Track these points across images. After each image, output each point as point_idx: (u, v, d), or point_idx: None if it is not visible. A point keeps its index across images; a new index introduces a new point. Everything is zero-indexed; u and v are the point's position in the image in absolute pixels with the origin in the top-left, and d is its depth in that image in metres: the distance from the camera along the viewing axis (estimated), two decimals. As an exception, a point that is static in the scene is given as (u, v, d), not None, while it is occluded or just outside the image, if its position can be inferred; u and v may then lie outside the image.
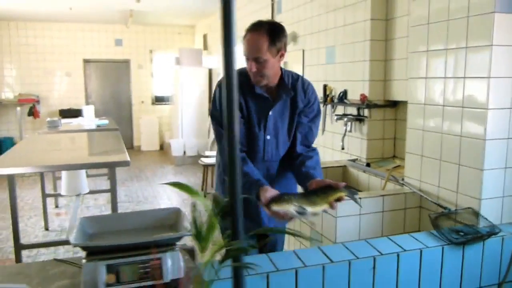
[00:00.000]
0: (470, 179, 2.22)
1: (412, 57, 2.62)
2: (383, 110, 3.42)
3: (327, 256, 1.83)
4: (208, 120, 8.14)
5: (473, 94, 2.19)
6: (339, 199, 1.60)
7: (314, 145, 2.17)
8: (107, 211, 5.17)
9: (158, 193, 6.10)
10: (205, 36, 8.85)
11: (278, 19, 4.94)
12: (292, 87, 1.99)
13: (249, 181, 1.78)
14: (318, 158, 2.06)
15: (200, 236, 0.92)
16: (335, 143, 3.92)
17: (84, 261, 1.33)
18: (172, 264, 1.37)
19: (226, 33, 0.99)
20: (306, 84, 2.05)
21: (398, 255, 1.89)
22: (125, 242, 1.38)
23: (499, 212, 2.22)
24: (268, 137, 1.96)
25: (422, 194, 2.52)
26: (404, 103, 3.32)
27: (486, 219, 2.14)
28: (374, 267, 1.84)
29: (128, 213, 1.65)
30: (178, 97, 8.36)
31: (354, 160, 3.51)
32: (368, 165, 3.33)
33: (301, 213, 1.54)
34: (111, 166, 2.98)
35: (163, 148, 9.95)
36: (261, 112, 1.95)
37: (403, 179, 2.76)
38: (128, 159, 2.97)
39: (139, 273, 1.35)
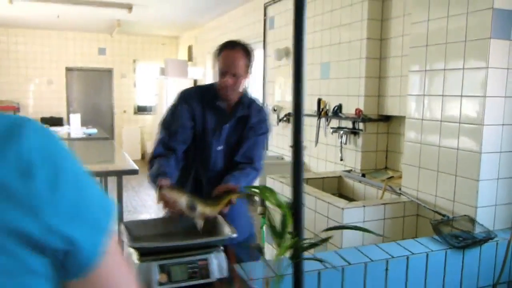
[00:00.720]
0: (466, 189, 2.42)
1: (411, 76, 2.82)
2: (377, 124, 3.62)
3: (345, 259, 1.97)
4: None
5: (470, 111, 2.40)
6: (230, 202, 1.74)
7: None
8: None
9: (146, 202, 6.12)
10: (190, 48, 8.96)
11: (270, 34, 5.13)
12: (247, 106, 2.12)
13: (159, 171, 1.85)
14: (251, 173, 2.07)
15: (277, 234, 1.04)
16: (328, 155, 4.10)
17: (137, 262, 1.42)
18: (218, 264, 1.49)
19: (296, 72, 1.13)
20: (260, 106, 2.22)
21: (407, 258, 2.05)
22: (178, 243, 1.48)
23: (492, 219, 2.43)
24: (219, 148, 2.07)
25: (420, 203, 2.71)
26: (397, 117, 3.54)
27: (482, 225, 2.34)
28: (387, 269, 2.00)
29: (166, 217, 1.76)
30: (163, 107, 8.41)
31: (349, 171, 3.69)
32: (363, 175, 3.52)
33: (191, 208, 1.59)
34: (120, 174, 3.06)
35: (145, 157, 9.94)
36: (218, 124, 2.07)
37: (400, 189, 2.95)
38: (136, 167, 3.05)
39: (188, 273, 1.45)
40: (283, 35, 4.89)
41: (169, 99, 8.31)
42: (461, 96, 2.45)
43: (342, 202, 2.71)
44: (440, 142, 2.61)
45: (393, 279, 2.01)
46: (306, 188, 3.13)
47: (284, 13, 4.91)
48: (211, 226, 1.66)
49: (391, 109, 3.52)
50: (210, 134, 2.07)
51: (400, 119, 3.52)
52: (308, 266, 1.85)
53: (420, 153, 2.76)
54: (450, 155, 2.53)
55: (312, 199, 2.89)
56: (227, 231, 1.56)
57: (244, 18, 5.95)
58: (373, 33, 3.52)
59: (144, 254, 1.44)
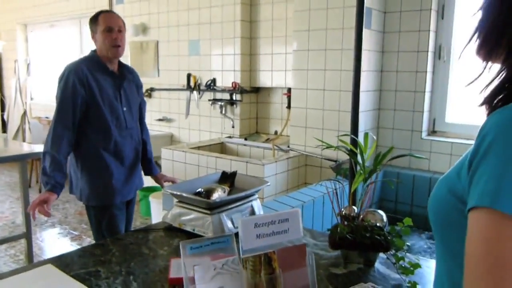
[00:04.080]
0: (347, 139, 3.27)
1: (295, 54, 3.49)
2: (250, 95, 4.22)
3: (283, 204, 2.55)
4: None
5: (348, 81, 3.22)
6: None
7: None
8: None
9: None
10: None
11: (119, 9, 5.08)
12: (127, 68, 2.46)
13: (51, 180, 2.12)
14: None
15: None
16: (201, 125, 4.51)
17: (209, 215, 1.69)
18: (258, 208, 1.87)
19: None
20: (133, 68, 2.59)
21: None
22: (235, 196, 1.78)
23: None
24: (125, 108, 2.38)
25: (311, 155, 3.47)
26: (265, 88, 4.22)
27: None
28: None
29: (196, 179, 1.98)
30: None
31: (230, 137, 4.21)
32: (245, 139, 4.09)
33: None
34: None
35: None
36: (115, 87, 2.34)
37: (288, 146, 3.65)
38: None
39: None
40: (136, 11, 4.93)
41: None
42: (340, 70, 3.26)
43: (257, 160, 3.24)
44: (324, 106, 3.38)
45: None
46: (207, 154, 3.53)
47: (135, -11, 4.93)
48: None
49: (261, 81, 4.16)
50: (113, 98, 2.29)
51: (269, 90, 4.21)
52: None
53: (306, 116, 3.50)
54: (333, 116, 3.33)
55: (226, 161, 3.32)
56: (258, 182, 1.94)
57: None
58: (244, 15, 4.05)
59: (213, 208, 1.70)
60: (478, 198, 0.57)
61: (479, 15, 0.70)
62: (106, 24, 2.25)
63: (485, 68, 0.70)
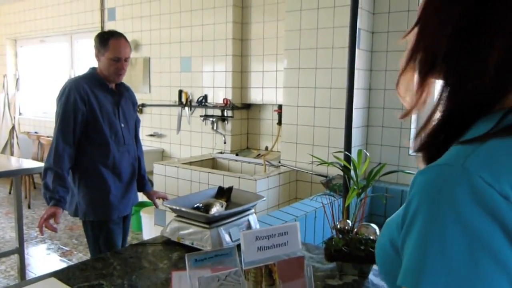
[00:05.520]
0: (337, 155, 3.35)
1: (287, 72, 3.59)
2: (241, 111, 4.29)
3: (279, 219, 2.60)
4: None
5: (338, 99, 3.31)
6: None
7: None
8: None
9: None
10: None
11: (111, 25, 5.15)
12: (123, 85, 2.50)
13: (55, 194, 2.16)
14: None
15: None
16: (193, 141, 4.56)
17: (208, 229, 1.73)
18: (254, 222, 1.92)
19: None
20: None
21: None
22: (233, 211, 1.83)
23: (353, 175, 3.43)
24: (123, 125, 2.44)
25: (302, 170, 3.54)
26: (255, 105, 4.30)
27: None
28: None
29: (193, 194, 2.02)
30: None
31: (221, 153, 4.26)
32: (237, 155, 4.15)
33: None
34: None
35: None
36: (114, 104, 2.40)
37: (279, 162, 3.71)
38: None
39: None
40: (129, 28, 4.99)
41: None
42: (331, 88, 3.35)
43: (249, 175, 3.30)
44: (314, 123, 3.47)
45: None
46: (199, 169, 3.57)
47: (128, 6, 5.00)
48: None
49: (252, 98, 4.24)
50: (112, 114, 2.35)
51: (259, 106, 4.29)
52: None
53: (297, 132, 3.58)
54: (323, 132, 3.42)
55: (219, 177, 3.37)
56: (254, 197, 1.99)
57: (80, 2, 5.62)
58: (236, 34, 4.14)
59: (212, 222, 1.75)
60: (402, 277, 0.55)
61: (412, 38, 0.65)
62: (114, 54, 2.28)
63: (420, 97, 0.65)
